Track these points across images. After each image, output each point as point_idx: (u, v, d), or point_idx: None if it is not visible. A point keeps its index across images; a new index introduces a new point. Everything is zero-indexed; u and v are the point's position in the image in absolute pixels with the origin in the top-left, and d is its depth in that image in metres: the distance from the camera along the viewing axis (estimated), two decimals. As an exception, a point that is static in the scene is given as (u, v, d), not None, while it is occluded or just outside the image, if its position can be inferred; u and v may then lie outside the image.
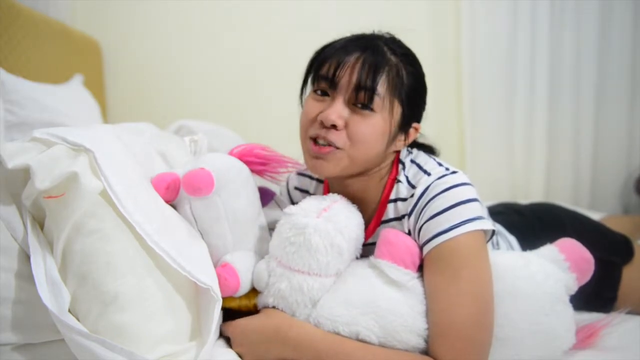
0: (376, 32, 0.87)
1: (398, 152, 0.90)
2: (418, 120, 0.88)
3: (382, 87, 0.78)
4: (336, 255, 0.77)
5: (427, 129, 1.03)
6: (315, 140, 0.81)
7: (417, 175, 0.84)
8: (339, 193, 0.86)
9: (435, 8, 2.07)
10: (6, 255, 0.66)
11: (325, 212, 0.78)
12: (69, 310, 0.65)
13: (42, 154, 0.67)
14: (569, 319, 0.79)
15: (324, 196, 0.84)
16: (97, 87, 1.94)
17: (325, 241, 0.75)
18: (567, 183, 2.09)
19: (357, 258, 0.85)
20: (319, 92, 0.82)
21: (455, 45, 2.07)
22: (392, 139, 0.83)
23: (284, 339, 0.74)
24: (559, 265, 0.82)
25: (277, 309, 0.78)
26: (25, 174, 0.69)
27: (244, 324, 0.78)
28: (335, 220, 0.77)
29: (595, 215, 1.44)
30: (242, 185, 0.86)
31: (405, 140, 0.86)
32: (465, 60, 2.02)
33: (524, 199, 1.78)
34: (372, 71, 0.77)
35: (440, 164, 0.85)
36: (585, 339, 0.81)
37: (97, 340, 0.60)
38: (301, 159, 0.90)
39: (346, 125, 0.79)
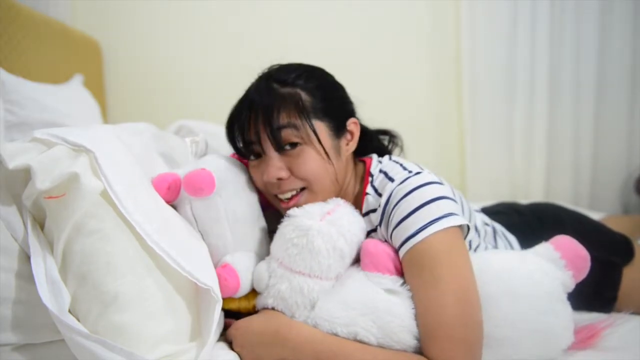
0: (264, 71, 0.89)
1: (368, 163, 0.90)
2: (352, 115, 0.89)
3: (286, 120, 0.79)
4: (338, 259, 0.77)
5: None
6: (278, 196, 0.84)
7: (382, 183, 0.84)
8: None
9: (435, 9, 2.07)
10: (6, 255, 0.66)
11: (328, 216, 0.78)
12: (69, 311, 0.65)
13: (42, 155, 0.67)
14: (567, 318, 0.79)
15: (328, 200, 0.84)
16: (97, 87, 1.94)
17: (328, 244, 0.75)
18: (567, 183, 2.09)
19: None
20: (252, 157, 0.85)
21: (455, 46, 2.08)
22: (337, 151, 0.85)
23: (283, 341, 0.74)
24: (555, 263, 0.81)
25: (277, 310, 0.79)
26: (25, 174, 0.69)
27: (244, 326, 0.78)
28: (338, 223, 0.77)
29: (595, 215, 1.44)
30: (243, 186, 0.86)
31: (351, 139, 0.87)
32: (465, 61, 2.02)
33: (524, 199, 1.78)
34: (267, 117, 0.79)
35: (404, 168, 0.84)
36: (586, 339, 0.80)
37: (97, 341, 0.60)
38: None
39: (291, 171, 0.81)
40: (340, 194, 0.88)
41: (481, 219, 1.00)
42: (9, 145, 0.67)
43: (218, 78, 2.10)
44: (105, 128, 0.82)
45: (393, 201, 0.79)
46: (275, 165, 0.80)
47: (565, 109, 2.03)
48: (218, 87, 2.10)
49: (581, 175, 2.09)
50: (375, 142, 1.02)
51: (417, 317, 0.74)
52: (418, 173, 0.80)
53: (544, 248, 0.84)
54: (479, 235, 0.94)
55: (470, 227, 0.79)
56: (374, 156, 0.93)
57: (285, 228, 0.79)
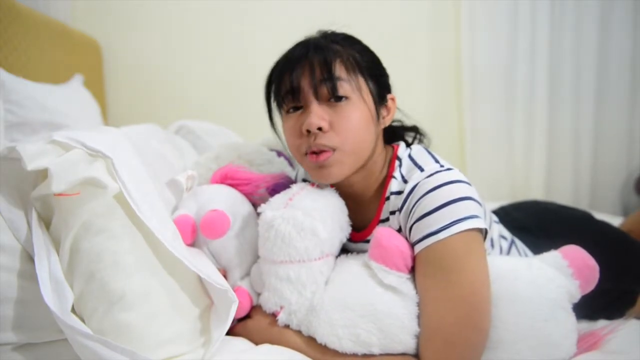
0: (306, 36, 0.87)
1: (396, 148, 0.89)
2: (389, 91, 0.88)
3: (341, 72, 0.78)
4: (311, 238, 0.77)
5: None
6: (311, 152, 0.80)
7: (411, 170, 0.83)
8: (342, 192, 0.86)
9: (436, 9, 2.07)
10: (8, 254, 0.67)
11: (290, 201, 0.79)
12: (75, 309, 0.66)
13: (60, 158, 0.68)
14: (570, 327, 0.76)
15: (291, 187, 0.85)
16: (97, 87, 1.94)
17: (296, 227, 0.77)
18: (567, 183, 2.09)
19: (349, 241, 0.87)
20: (290, 110, 0.82)
21: (455, 46, 2.08)
22: (378, 117, 0.83)
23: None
24: (562, 272, 0.79)
25: (278, 304, 0.80)
26: (33, 173, 0.70)
27: (251, 327, 0.83)
28: (301, 205, 0.78)
29: (597, 215, 1.42)
30: (249, 212, 0.89)
31: (387, 115, 0.86)
32: (465, 61, 2.03)
33: (524, 199, 1.78)
34: (324, 64, 0.78)
35: (436, 161, 0.83)
36: (588, 347, 0.78)
37: (99, 341, 0.60)
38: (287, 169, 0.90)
39: (331, 125, 0.78)
40: (365, 172, 0.85)
41: (498, 231, 0.97)
42: (29, 146, 0.68)
43: (218, 78, 2.10)
44: (120, 133, 0.82)
45: (419, 192, 0.76)
46: (318, 114, 0.77)
47: (565, 109, 2.03)
48: (218, 87, 2.10)
49: (581, 175, 2.09)
50: (400, 138, 1.00)
51: (420, 315, 0.73)
52: (449, 169, 0.78)
53: (552, 256, 0.82)
54: (492, 248, 0.92)
55: (487, 237, 0.78)
56: (402, 143, 0.91)
57: (258, 227, 0.82)
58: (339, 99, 0.78)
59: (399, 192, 0.82)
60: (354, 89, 0.79)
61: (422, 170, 0.80)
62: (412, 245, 0.76)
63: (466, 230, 0.71)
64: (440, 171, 0.77)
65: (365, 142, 0.81)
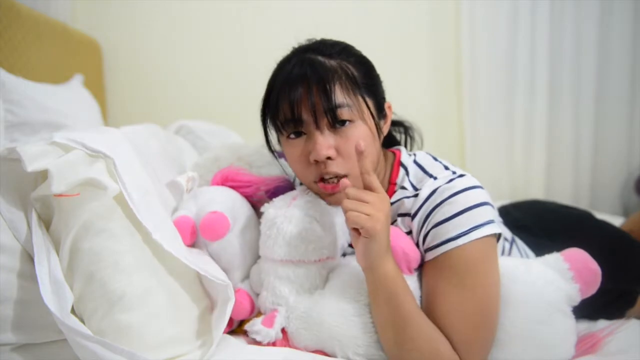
0: (301, 44, 0.85)
1: (398, 154, 0.89)
2: (385, 99, 0.87)
3: (342, 97, 0.76)
4: (314, 239, 0.78)
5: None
6: (321, 179, 0.79)
7: (420, 176, 0.83)
8: None
9: (435, 9, 2.07)
10: (7, 254, 0.67)
11: (294, 201, 0.80)
12: (75, 309, 0.66)
13: (60, 159, 0.68)
14: (568, 330, 0.77)
15: (295, 189, 0.85)
16: (97, 87, 1.93)
17: (298, 227, 0.77)
18: (567, 183, 2.09)
19: (350, 246, 0.87)
20: (292, 136, 0.80)
21: (455, 45, 2.08)
22: (380, 131, 0.82)
23: None
24: (563, 275, 0.79)
25: (275, 303, 0.80)
26: (33, 173, 0.70)
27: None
28: (304, 206, 0.79)
29: (598, 215, 1.42)
30: (249, 213, 0.90)
31: (385, 123, 0.86)
32: (465, 60, 2.03)
33: (524, 199, 1.78)
34: (323, 92, 0.75)
35: (446, 167, 0.83)
36: (587, 349, 0.78)
37: (98, 342, 0.60)
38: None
39: (338, 150, 0.77)
40: None
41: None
42: (29, 148, 0.68)
43: (218, 78, 2.10)
44: (120, 133, 0.82)
45: (436, 200, 0.76)
46: (325, 144, 0.76)
47: (565, 109, 2.03)
48: (218, 87, 2.10)
49: (581, 175, 2.09)
50: (394, 140, 0.99)
51: (433, 318, 0.73)
52: (462, 175, 0.79)
53: (553, 258, 0.82)
54: None
55: (500, 239, 0.79)
56: (402, 148, 0.91)
57: (260, 226, 0.82)
58: (342, 123, 0.77)
59: (408, 198, 0.82)
60: (355, 112, 0.77)
61: (435, 178, 0.80)
62: (426, 250, 0.77)
63: (483, 236, 0.72)
64: (455, 178, 0.78)
65: (371, 160, 0.80)
